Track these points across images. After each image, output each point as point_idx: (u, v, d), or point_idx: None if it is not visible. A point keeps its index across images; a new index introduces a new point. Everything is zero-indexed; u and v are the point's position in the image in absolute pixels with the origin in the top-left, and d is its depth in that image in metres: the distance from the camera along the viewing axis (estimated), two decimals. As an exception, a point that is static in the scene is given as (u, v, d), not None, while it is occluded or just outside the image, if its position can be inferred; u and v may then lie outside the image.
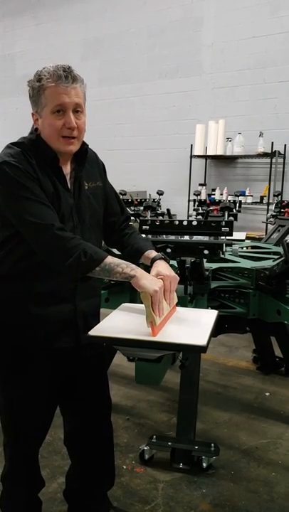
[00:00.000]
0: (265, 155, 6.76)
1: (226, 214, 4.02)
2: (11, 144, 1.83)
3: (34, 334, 1.88)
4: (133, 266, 1.80)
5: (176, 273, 2.71)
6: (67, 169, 1.90)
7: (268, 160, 6.78)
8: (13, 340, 1.90)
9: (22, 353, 1.90)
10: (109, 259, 1.78)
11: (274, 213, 4.95)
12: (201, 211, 5.18)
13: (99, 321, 2.04)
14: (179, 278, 1.94)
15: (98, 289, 2.11)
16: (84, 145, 1.91)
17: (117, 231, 2.12)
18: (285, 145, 6.73)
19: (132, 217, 5.14)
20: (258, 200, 6.96)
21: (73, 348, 1.94)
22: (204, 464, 2.78)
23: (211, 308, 2.66)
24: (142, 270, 1.81)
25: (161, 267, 1.92)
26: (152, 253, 2.01)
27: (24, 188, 1.74)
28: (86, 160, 1.95)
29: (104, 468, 2.24)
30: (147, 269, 1.95)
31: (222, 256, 3.26)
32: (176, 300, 2.00)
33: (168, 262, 1.99)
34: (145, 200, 5.47)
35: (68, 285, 1.89)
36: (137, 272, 1.78)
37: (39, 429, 2.06)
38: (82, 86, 1.81)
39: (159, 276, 1.86)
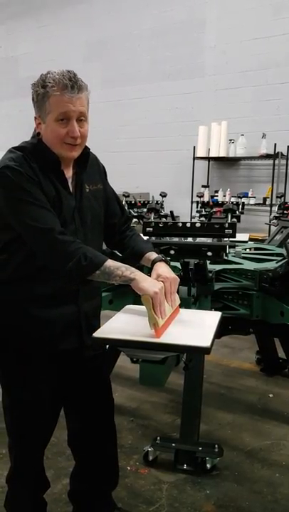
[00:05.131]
0: (267, 156, 6.77)
1: (229, 216, 4.03)
2: (12, 148, 1.84)
3: (39, 336, 1.90)
4: (132, 269, 1.81)
5: (179, 275, 2.75)
6: (69, 172, 1.91)
7: (271, 161, 6.79)
8: (18, 343, 1.92)
9: (28, 355, 1.91)
10: (109, 262, 1.79)
11: (277, 215, 4.96)
12: (204, 213, 5.19)
13: (99, 322, 2.06)
14: (179, 279, 1.95)
15: (99, 289, 2.13)
16: (86, 149, 1.92)
17: (117, 232, 2.14)
18: (288, 146, 6.73)
19: (135, 219, 5.20)
20: (261, 202, 6.97)
21: (76, 349, 1.96)
22: (208, 465, 2.79)
23: (215, 310, 2.67)
24: (142, 273, 1.82)
25: (162, 269, 1.93)
26: (153, 255, 2.02)
27: (26, 193, 1.75)
28: (88, 163, 1.96)
29: (107, 468, 2.25)
30: (147, 271, 1.97)
31: (225, 258, 3.27)
32: (178, 301, 2.01)
33: (168, 264, 2.00)
34: (148, 201, 5.47)
35: (71, 286, 1.90)
36: (137, 274, 1.79)
37: (44, 430, 2.08)
38: (86, 93, 1.81)
39: (159, 278, 1.88)
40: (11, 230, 1.82)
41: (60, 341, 1.92)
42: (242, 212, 4.76)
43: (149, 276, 1.88)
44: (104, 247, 2.19)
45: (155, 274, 1.91)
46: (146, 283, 1.78)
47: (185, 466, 2.80)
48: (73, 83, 1.75)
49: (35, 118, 1.84)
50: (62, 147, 1.82)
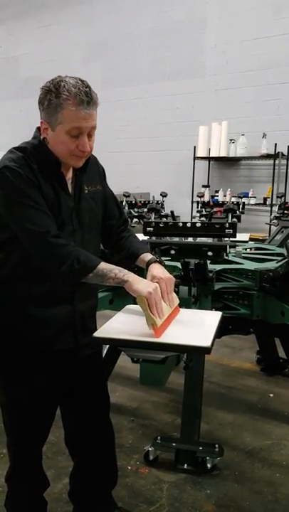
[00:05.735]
0: (268, 156, 6.77)
1: (230, 216, 4.02)
2: (13, 148, 1.84)
3: (35, 336, 1.90)
4: (126, 271, 1.82)
5: (180, 275, 2.75)
6: (69, 174, 1.92)
7: (271, 161, 6.79)
8: (14, 342, 1.92)
9: (24, 355, 1.92)
10: (102, 265, 1.79)
11: (277, 215, 4.96)
12: (204, 213, 5.19)
13: (95, 322, 2.07)
14: (174, 279, 1.96)
15: (95, 290, 2.13)
16: None
17: (114, 234, 2.15)
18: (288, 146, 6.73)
19: (136, 219, 5.20)
20: (262, 202, 6.98)
21: (72, 349, 1.97)
22: (208, 465, 2.79)
23: (215, 310, 2.67)
24: (135, 275, 1.83)
25: (156, 270, 1.94)
26: (147, 256, 2.03)
27: (23, 194, 1.76)
28: (88, 165, 1.96)
29: (106, 467, 2.25)
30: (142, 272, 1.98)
31: (226, 257, 3.27)
32: (177, 301, 2.01)
33: (163, 265, 2.01)
34: (149, 201, 5.47)
35: (67, 288, 1.90)
36: (130, 276, 1.80)
37: (42, 429, 2.08)
38: (97, 107, 1.80)
39: (154, 279, 1.89)
40: (9, 229, 1.82)
41: (56, 341, 1.92)
42: (242, 212, 4.77)
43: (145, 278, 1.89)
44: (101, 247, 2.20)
45: (150, 275, 1.93)
46: (140, 284, 1.78)
47: (185, 466, 2.80)
48: (89, 99, 1.73)
49: (42, 122, 1.82)
50: (70, 157, 1.82)
